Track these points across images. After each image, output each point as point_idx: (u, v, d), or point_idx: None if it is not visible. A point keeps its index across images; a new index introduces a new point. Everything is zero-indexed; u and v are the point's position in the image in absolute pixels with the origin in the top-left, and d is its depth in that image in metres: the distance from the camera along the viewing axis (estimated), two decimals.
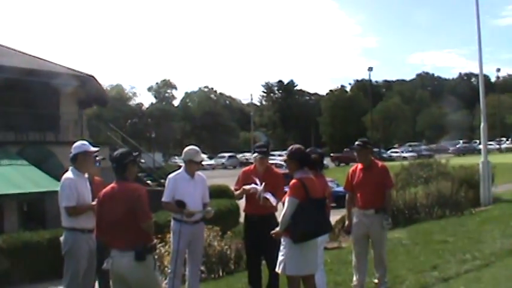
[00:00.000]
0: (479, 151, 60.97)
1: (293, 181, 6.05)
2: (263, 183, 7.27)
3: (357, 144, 7.74)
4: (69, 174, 6.71)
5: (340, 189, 15.88)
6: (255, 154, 7.71)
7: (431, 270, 8.33)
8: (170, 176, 7.62)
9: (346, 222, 7.79)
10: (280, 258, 6.08)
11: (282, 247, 6.09)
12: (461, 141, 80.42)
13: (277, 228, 6.08)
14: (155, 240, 5.69)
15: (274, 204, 7.14)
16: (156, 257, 5.57)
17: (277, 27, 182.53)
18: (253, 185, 7.31)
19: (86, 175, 6.90)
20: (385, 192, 7.64)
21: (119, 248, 5.27)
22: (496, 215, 14.04)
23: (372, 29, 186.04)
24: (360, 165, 7.78)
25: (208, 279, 9.58)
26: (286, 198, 6.00)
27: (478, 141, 75.19)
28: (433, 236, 11.47)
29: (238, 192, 7.61)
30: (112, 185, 5.50)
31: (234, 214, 19.90)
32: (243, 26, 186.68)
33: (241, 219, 18.86)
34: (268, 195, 7.19)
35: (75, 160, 6.77)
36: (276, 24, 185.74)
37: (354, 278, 7.65)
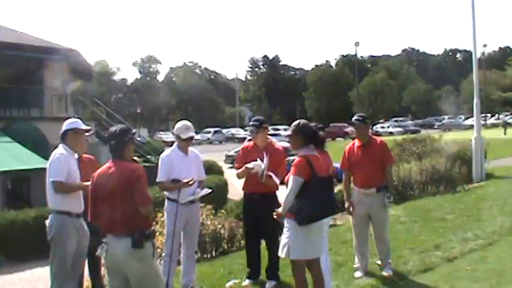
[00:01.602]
0: (464, 127, 61.70)
1: (298, 158, 5.62)
2: (267, 160, 6.84)
3: (356, 120, 7.36)
4: (60, 149, 6.24)
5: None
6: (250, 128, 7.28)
7: (434, 250, 8.08)
8: (163, 154, 7.16)
9: (346, 204, 7.46)
10: (283, 241, 5.68)
11: (285, 230, 5.70)
12: (446, 117, 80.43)
13: (280, 209, 5.67)
14: (154, 226, 5.27)
15: (277, 182, 6.72)
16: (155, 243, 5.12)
17: (262, 2, 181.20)
18: (254, 162, 6.91)
19: (76, 155, 6.49)
20: (385, 169, 7.34)
21: (114, 234, 4.83)
22: (492, 191, 13.85)
23: (357, 3, 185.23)
24: (357, 142, 7.43)
25: (202, 260, 9.26)
26: (290, 177, 5.55)
27: (463, 116, 75.67)
28: (430, 213, 11.23)
29: (240, 171, 7.12)
30: (108, 164, 5.02)
31: (222, 190, 19.66)
32: (228, 1, 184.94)
33: (230, 195, 18.74)
34: (271, 173, 6.82)
35: (65, 137, 6.34)
36: None
37: (356, 260, 7.38)
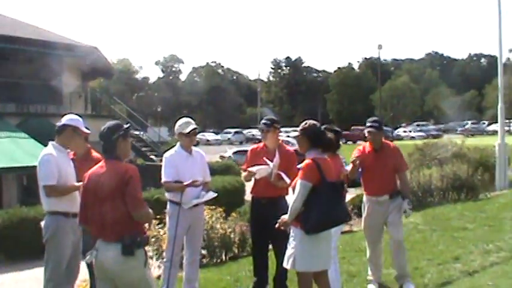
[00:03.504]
0: (487, 132, 60.69)
1: (306, 162, 5.24)
2: (278, 158, 6.46)
3: (372, 126, 6.84)
4: (49, 149, 5.92)
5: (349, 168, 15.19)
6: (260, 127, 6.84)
7: (453, 262, 7.64)
8: (166, 154, 6.79)
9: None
10: (289, 251, 5.29)
11: (291, 239, 5.31)
12: (469, 122, 79.35)
13: (285, 217, 5.28)
14: (148, 233, 4.89)
15: (287, 182, 6.17)
16: (150, 248, 4.76)
17: (287, 3, 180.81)
18: (258, 166, 6.54)
19: (69, 151, 6.16)
20: (399, 176, 6.92)
21: (104, 239, 4.46)
22: None
23: (381, 6, 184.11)
24: (368, 147, 6.99)
25: (210, 265, 8.93)
26: (298, 182, 5.18)
27: (486, 122, 74.51)
28: (450, 222, 10.78)
29: (245, 174, 6.76)
30: (100, 164, 4.66)
31: (239, 192, 19.29)
32: (252, 1, 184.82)
33: (247, 197, 18.44)
34: (281, 173, 6.40)
35: (61, 132, 6.01)
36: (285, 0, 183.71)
37: (370, 272, 6.99)
